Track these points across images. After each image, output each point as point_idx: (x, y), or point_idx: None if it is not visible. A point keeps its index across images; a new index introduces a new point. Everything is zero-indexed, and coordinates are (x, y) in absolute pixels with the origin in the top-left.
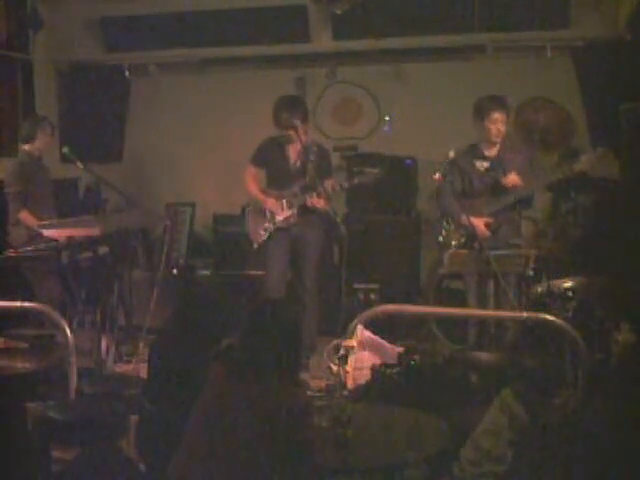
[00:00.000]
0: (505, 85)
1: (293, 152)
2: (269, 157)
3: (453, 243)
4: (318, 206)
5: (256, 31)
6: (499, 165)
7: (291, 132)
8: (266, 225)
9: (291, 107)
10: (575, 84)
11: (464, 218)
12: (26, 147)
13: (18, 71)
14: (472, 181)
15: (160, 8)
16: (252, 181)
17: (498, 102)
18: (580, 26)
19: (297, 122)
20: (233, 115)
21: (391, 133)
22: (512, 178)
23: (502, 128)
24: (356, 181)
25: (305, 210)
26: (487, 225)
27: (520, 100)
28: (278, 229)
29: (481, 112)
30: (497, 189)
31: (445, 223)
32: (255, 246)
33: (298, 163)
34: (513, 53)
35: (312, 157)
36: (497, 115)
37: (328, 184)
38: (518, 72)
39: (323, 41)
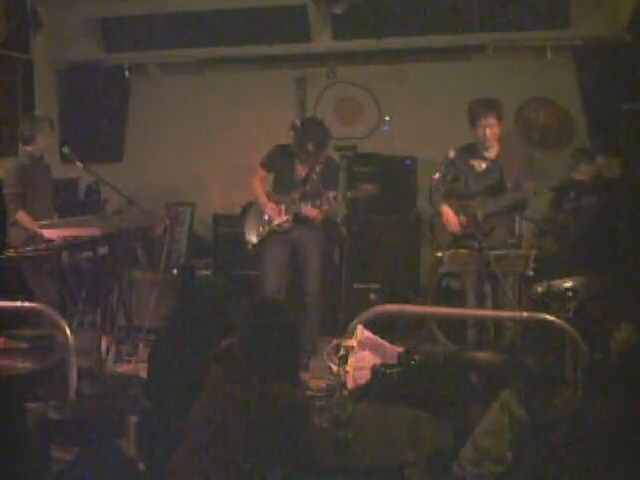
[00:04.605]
0: (505, 85)
1: (300, 164)
2: (277, 163)
3: (442, 242)
4: (311, 216)
5: (256, 31)
6: (497, 167)
7: (307, 154)
8: (262, 227)
9: (315, 133)
10: (575, 84)
11: (445, 210)
12: (27, 148)
13: (18, 71)
14: (468, 181)
15: (160, 8)
16: (258, 184)
17: (488, 106)
18: (580, 26)
19: (315, 150)
20: (233, 115)
21: (391, 133)
22: None
23: (494, 131)
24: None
25: (300, 217)
26: (461, 223)
27: (520, 100)
28: (274, 232)
29: (472, 117)
30: (494, 191)
31: (430, 222)
32: (249, 246)
33: (303, 173)
34: (513, 53)
35: (317, 169)
36: (487, 120)
37: (330, 195)
38: (518, 72)
39: (323, 41)
